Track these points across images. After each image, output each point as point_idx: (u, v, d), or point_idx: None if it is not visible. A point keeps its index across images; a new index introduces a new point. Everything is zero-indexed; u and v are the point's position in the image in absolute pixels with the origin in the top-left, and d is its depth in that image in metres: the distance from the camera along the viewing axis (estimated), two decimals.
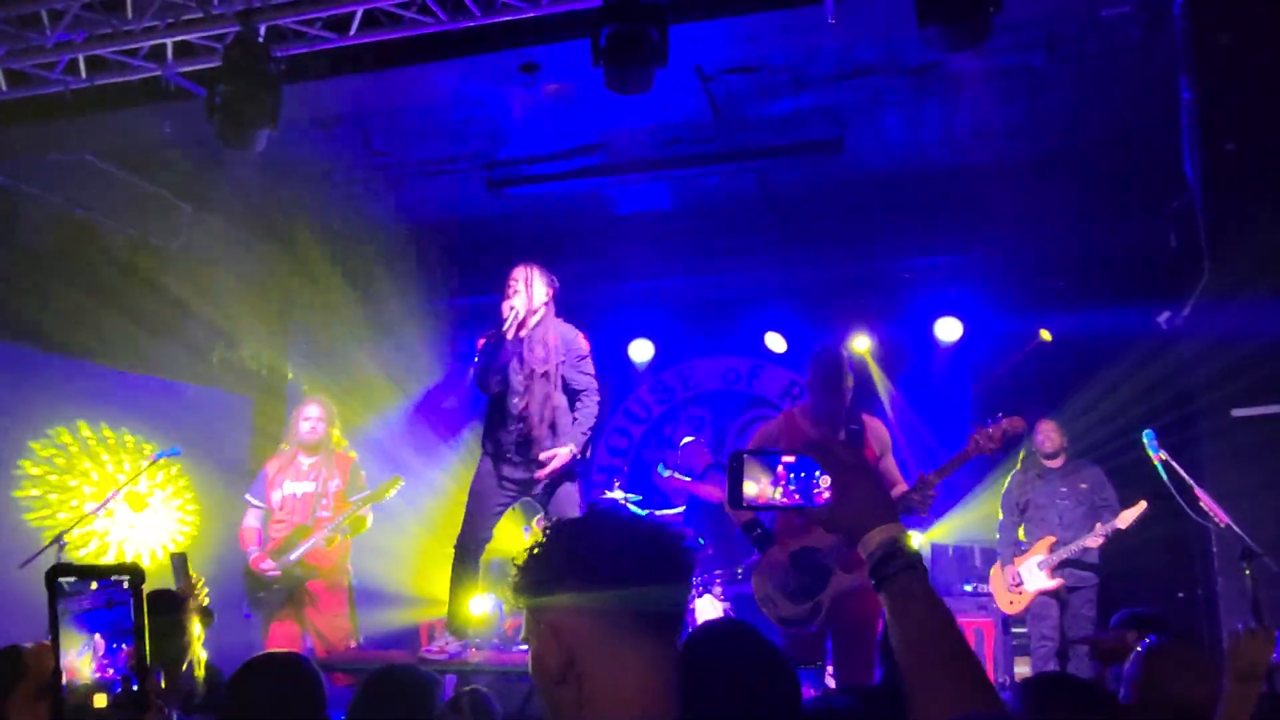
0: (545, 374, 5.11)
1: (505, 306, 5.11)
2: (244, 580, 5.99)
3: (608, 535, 1.45)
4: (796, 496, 1.49)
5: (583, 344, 5.29)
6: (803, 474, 1.49)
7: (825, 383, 4.88)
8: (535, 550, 1.46)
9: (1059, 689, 2.47)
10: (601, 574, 1.41)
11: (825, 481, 1.47)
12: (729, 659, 2.06)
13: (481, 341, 5.19)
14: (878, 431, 5.10)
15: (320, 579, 5.92)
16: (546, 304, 5.23)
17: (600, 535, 1.45)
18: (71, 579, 1.15)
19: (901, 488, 4.94)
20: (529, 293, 5.14)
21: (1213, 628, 5.95)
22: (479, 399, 5.59)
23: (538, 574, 1.44)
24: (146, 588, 1.24)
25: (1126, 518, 6.12)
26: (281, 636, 5.81)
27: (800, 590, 4.75)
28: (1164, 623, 4.18)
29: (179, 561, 3.60)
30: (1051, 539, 6.34)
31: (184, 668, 2.61)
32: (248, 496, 6.23)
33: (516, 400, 5.13)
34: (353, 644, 6.02)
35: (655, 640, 1.42)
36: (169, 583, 3.08)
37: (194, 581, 3.49)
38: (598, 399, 5.28)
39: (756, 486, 1.50)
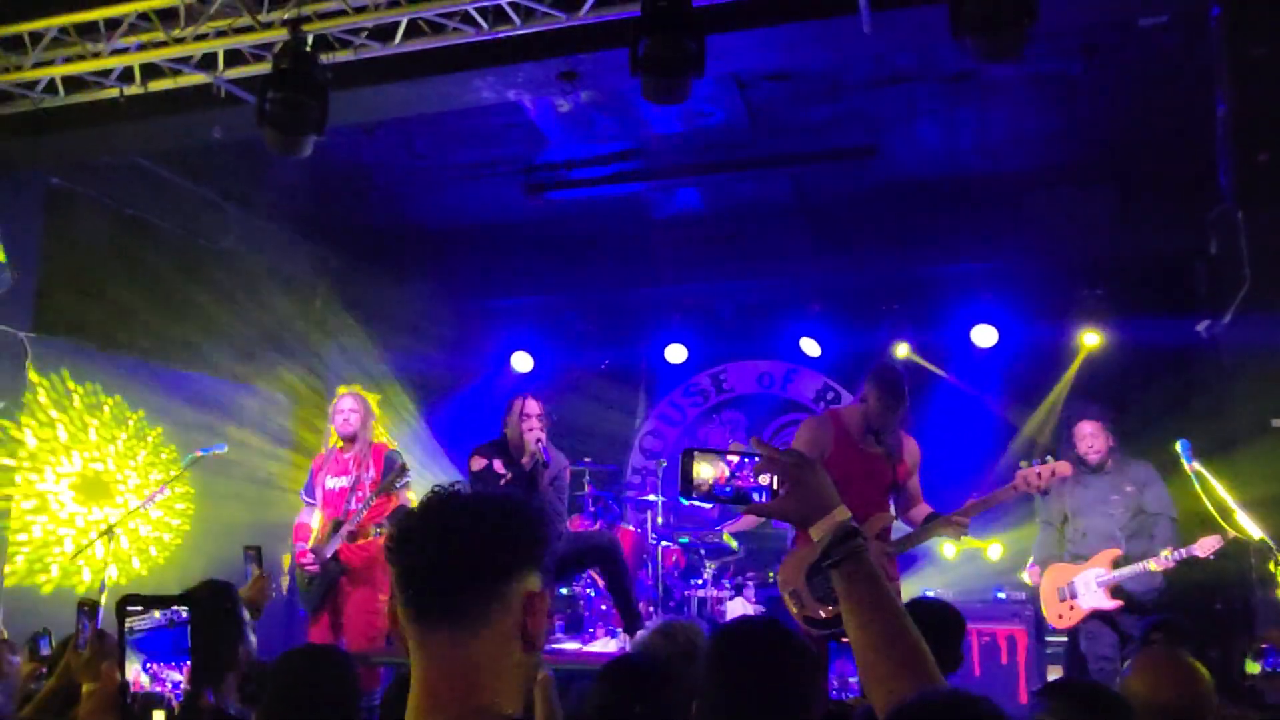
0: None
1: (532, 438, 5.85)
2: (295, 576, 6.09)
3: (402, 518, 1.47)
4: (742, 489, 1.63)
5: (567, 474, 6.35)
6: (748, 470, 1.63)
7: (885, 397, 4.91)
8: None
9: (1082, 695, 2.47)
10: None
11: (766, 478, 1.60)
12: (757, 650, 2.14)
13: (483, 463, 5.93)
14: (912, 451, 5.16)
15: (353, 575, 5.91)
16: None
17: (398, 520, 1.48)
18: (138, 607, 1.26)
19: (924, 508, 5.00)
20: (545, 431, 5.97)
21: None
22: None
23: None
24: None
25: (1206, 546, 5.42)
26: (318, 633, 5.89)
27: (830, 595, 4.74)
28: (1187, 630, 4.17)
29: (253, 554, 3.75)
30: (1115, 552, 5.69)
31: (239, 660, 2.69)
32: (301, 494, 6.36)
33: None
34: (383, 643, 5.91)
35: (432, 633, 1.38)
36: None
37: (257, 576, 3.62)
38: (564, 523, 6.35)
39: (707, 481, 1.63)
